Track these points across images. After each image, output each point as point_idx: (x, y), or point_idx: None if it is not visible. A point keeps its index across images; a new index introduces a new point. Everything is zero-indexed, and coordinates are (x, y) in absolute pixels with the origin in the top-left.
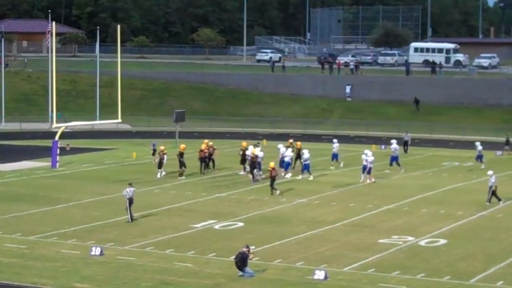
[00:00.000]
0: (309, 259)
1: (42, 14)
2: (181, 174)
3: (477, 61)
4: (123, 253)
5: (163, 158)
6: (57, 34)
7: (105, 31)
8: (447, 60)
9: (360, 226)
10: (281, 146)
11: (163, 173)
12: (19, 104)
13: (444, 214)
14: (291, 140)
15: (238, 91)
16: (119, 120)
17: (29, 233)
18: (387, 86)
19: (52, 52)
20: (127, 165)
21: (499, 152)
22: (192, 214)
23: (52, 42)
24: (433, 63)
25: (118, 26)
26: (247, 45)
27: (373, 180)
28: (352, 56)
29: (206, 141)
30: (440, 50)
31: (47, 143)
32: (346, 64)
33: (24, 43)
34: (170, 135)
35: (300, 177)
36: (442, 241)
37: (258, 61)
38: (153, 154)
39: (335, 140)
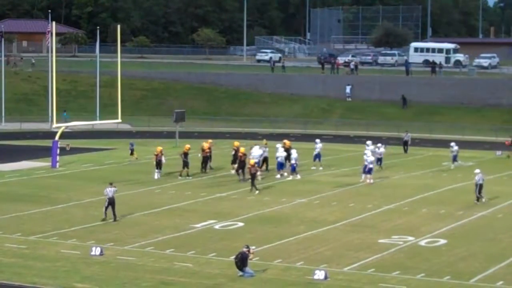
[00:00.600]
0: (309, 259)
1: (42, 14)
2: (181, 174)
3: (477, 61)
4: (123, 253)
5: (161, 159)
6: (57, 34)
7: (105, 31)
8: (447, 60)
9: (360, 226)
10: (279, 146)
11: (158, 174)
12: (19, 104)
13: (444, 214)
14: (285, 141)
15: (238, 91)
16: (119, 120)
17: (29, 233)
18: (387, 86)
19: (52, 52)
20: (127, 165)
21: (499, 152)
22: (192, 214)
23: (52, 42)
24: (433, 63)
25: (118, 26)
26: (247, 45)
27: (371, 181)
28: (352, 56)
29: (210, 141)
30: (440, 50)
31: (47, 143)
32: (346, 64)
33: (24, 43)
34: (170, 135)
35: (290, 177)
36: (442, 241)
37: (258, 61)
38: (131, 154)
39: (317, 140)
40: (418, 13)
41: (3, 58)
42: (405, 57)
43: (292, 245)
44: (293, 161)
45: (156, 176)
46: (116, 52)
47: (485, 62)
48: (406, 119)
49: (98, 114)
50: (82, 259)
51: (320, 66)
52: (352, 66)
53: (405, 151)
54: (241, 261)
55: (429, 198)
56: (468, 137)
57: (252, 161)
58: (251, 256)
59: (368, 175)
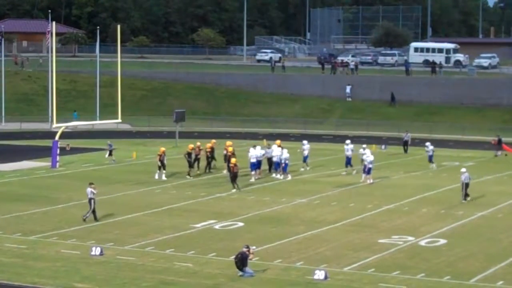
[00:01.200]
0: (309, 259)
1: (42, 14)
2: (189, 174)
3: (477, 61)
4: (123, 253)
5: (163, 159)
6: (57, 34)
7: (105, 31)
8: (447, 60)
9: (360, 226)
10: (274, 146)
11: (157, 175)
12: (19, 104)
13: (444, 214)
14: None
15: (238, 91)
16: (119, 120)
17: (29, 233)
18: (387, 86)
19: (52, 52)
20: (127, 165)
21: (499, 153)
22: (192, 214)
23: (52, 42)
24: (433, 63)
25: (118, 26)
26: (247, 45)
27: (371, 181)
28: (352, 56)
29: (213, 141)
30: (440, 50)
31: (47, 143)
32: (346, 64)
33: (24, 43)
34: (170, 135)
35: (281, 177)
36: (442, 241)
37: (258, 61)
38: (110, 155)
39: (305, 142)
40: (418, 13)
41: (3, 58)
42: (405, 57)
43: (292, 245)
44: (286, 161)
45: (157, 176)
46: (116, 52)
47: (485, 62)
48: (406, 119)
49: (98, 114)
50: (82, 259)
51: (320, 66)
52: (352, 66)
53: (405, 151)
54: (241, 261)
55: (429, 198)
56: (468, 137)
57: (234, 160)
58: (251, 256)
59: (368, 175)
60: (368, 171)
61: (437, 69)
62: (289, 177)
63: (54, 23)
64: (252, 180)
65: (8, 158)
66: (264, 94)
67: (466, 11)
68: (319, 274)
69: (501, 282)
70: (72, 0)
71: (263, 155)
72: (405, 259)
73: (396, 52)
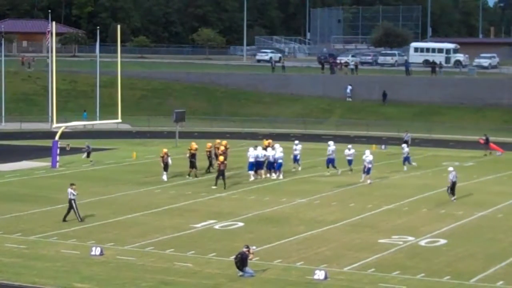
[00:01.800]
0: (309, 259)
1: (42, 14)
2: (189, 174)
3: (477, 61)
4: (123, 253)
5: (167, 161)
6: (57, 34)
7: (105, 31)
8: (447, 60)
9: (360, 226)
10: (277, 146)
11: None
12: (19, 104)
13: (444, 214)
14: (269, 140)
15: (238, 91)
16: (119, 120)
17: (29, 233)
18: (387, 86)
19: (52, 52)
20: (127, 165)
21: (499, 153)
22: (192, 214)
23: (52, 42)
24: (433, 63)
25: (118, 26)
26: (247, 45)
27: (371, 181)
28: (352, 56)
29: (218, 141)
30: (440, 50)
31: (47, 143)
32: (346, 64)
33: (24, 43)
34: (170, 135)
35: (274, 176)
36: (442, 241)
37: (258, 61)
38: (88, 156)
39: (296, 142)
40: (418, 13)
41: (3, 58)
42: (405, 57)
43: (292, 245)
44: (279, 160)
45: (165, 178)
46: (116, 52)
47: (485, 62)
48: (406, 119)
49: (98, 114)
50: (82, 259)
51: (320, 66)
52: (352, 66)
53: None
54: (241, 261)
55: (429, 198)
56: (468, 137)
57: (221, 158)
58: (251, 256)
59: (367, 175)
60: (367, 171)
61: (437, 69)
62: (281, 176)
63: (54, 23)
64: (252, 179)
65: (8, 158)
66: (264, 94)
67: (466, 11)
68: (319, 274)
69: (501, 282)
70: (72, 0)
71: (264, 155)
72: (405, 259)
73: (396, 52)
